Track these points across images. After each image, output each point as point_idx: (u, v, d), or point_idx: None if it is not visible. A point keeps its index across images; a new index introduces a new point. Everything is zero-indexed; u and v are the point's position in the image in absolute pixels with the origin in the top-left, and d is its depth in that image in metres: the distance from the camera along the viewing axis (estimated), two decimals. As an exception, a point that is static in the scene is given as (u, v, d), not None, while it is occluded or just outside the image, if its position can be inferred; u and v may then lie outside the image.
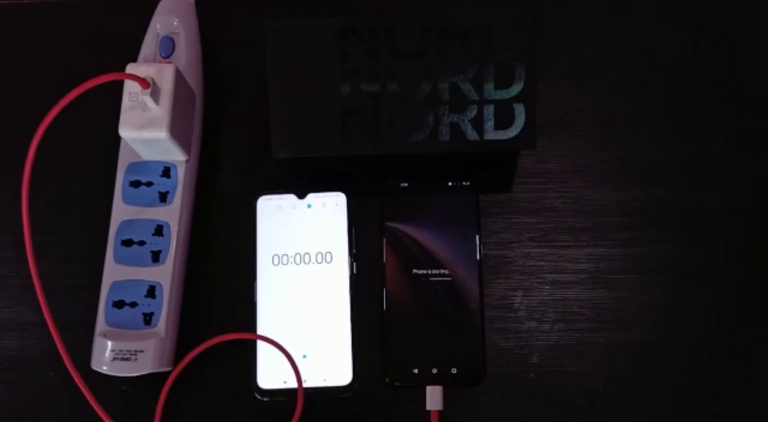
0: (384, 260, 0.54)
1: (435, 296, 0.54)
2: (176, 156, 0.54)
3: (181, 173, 0.54)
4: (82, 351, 0.52)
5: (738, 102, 0.57)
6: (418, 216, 0.55)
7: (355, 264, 0.55)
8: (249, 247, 0.55)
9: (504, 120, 0.52)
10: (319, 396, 0.53)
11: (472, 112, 0.52)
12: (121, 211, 0.53)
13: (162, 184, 0.54)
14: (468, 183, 0.55)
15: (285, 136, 0.52)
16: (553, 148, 0.57)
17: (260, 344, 0.53)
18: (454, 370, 0.53)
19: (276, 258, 0.54)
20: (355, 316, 0.54)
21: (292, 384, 0.52)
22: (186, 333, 0.54)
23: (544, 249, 0.56)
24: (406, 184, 0.55)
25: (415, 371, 0.53)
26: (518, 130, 0.52)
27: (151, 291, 0.52)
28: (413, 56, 0.51)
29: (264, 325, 0.54)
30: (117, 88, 0.51)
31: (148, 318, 0.52)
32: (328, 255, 0.54)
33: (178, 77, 0.51)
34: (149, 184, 0.54)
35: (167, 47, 0.55)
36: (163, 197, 0.53)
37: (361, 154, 0.52)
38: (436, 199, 0.55)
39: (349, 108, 0.52)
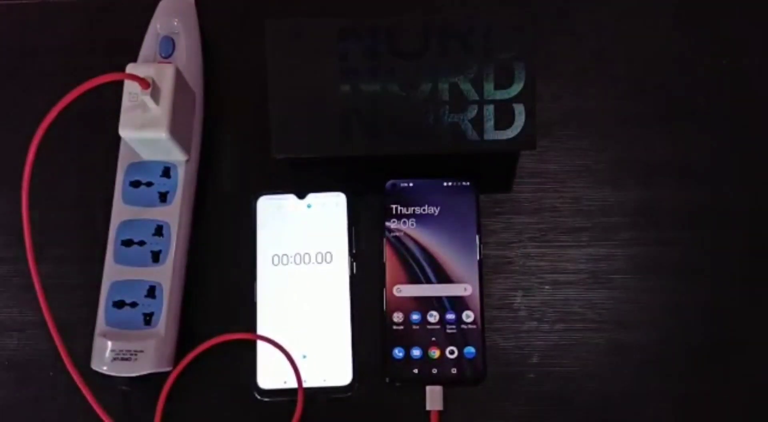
0: (384, 260, 0.54)
1: (435, 296, 0.54)
2: (176, 156, 0.54)
3: (181, 173, 0.54)
4: (82, 351, 0.52)
5: (738, 102, 0.57)
6: (418, 216, 0.55)
7: (355, 264, 0.55)
8: (249, 247, 0.55)
9: (504, 120, 0.52)
10: (319, 396, 0.53)
11: (472, 112, 0.52)
12: (121, 211, 0.53)
13: (162, 184, 0.54)
14: (468, 183, 0.55)
15: (285, 136, 0.52)
16: (553, 148, 0.57)
17: (260, 344, 0.53)
18: (454, 370, 0.53)
19: (276, 258, 0.54)
20: (355, 316, 0.54)
21: (292, 384, 0.52)
22: (186, 333, 0.54)
23: (544, 250, 0.56)
24: (406, 184, 0.55)
25: (415, 371, 0.53)
26: (518, 130, 0.52)
27: (151, 291, 0.52)
28: (413, 56, 0.51)
29: (264, 325, 0.54)
30: (117, 88, 0.51)
31: (148, 318, 0.52)
32: (328, 255, 0.54)
33: (178, 77, 0.51)
34: (149, 184, 0.54)
35: (167, 47, 0.55)
36: (163, 197, 0.53)
37: (361, 154, 0.52)
38: (435, 198, 0.55)
39: (349, 108, 0.52)
